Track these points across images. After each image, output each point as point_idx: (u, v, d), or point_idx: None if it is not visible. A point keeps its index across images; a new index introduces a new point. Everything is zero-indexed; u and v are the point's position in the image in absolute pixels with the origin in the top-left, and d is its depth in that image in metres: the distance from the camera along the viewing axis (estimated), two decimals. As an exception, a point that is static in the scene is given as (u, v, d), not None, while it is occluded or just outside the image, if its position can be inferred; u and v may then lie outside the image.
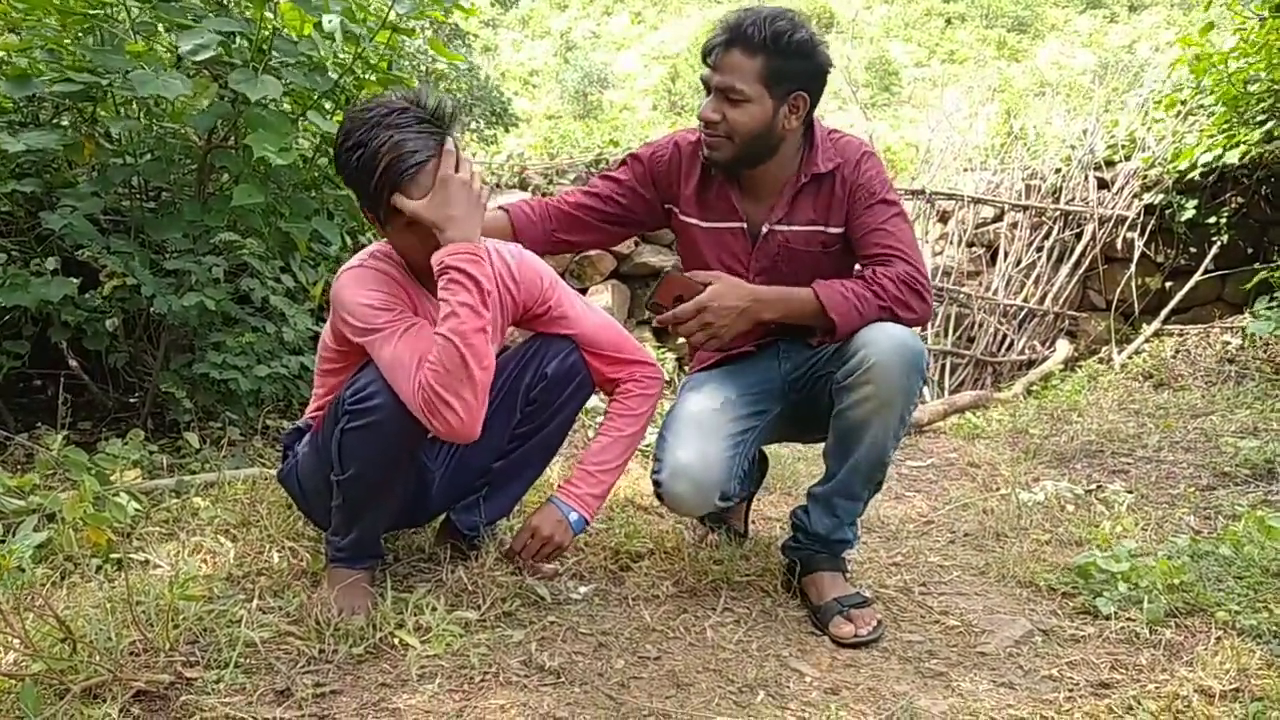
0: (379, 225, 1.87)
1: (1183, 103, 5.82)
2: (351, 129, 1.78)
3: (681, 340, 2.36)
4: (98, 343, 2.95)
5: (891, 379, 1.99)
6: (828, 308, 2.05)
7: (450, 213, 1.76)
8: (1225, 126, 5.31)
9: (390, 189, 1.77)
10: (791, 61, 2.07)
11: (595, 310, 2.22)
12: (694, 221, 2.28)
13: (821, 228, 2.20)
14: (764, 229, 2.22)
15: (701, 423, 2.20)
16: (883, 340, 2.00)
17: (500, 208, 2.30)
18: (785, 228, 2.21)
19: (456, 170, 1.78)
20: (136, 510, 2.31)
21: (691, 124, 2.27)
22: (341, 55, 3.00)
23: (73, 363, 3.04)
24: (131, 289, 2.76)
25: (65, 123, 3.02)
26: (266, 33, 2.72)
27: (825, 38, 2.13)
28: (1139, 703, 1.70)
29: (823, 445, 2.20)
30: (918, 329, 2.18)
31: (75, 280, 2.75)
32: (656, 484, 2.19)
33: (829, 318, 2.05)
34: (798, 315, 2.11)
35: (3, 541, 2.06)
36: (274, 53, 2.72)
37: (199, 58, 2.58)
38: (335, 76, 2.94)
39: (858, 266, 2.22)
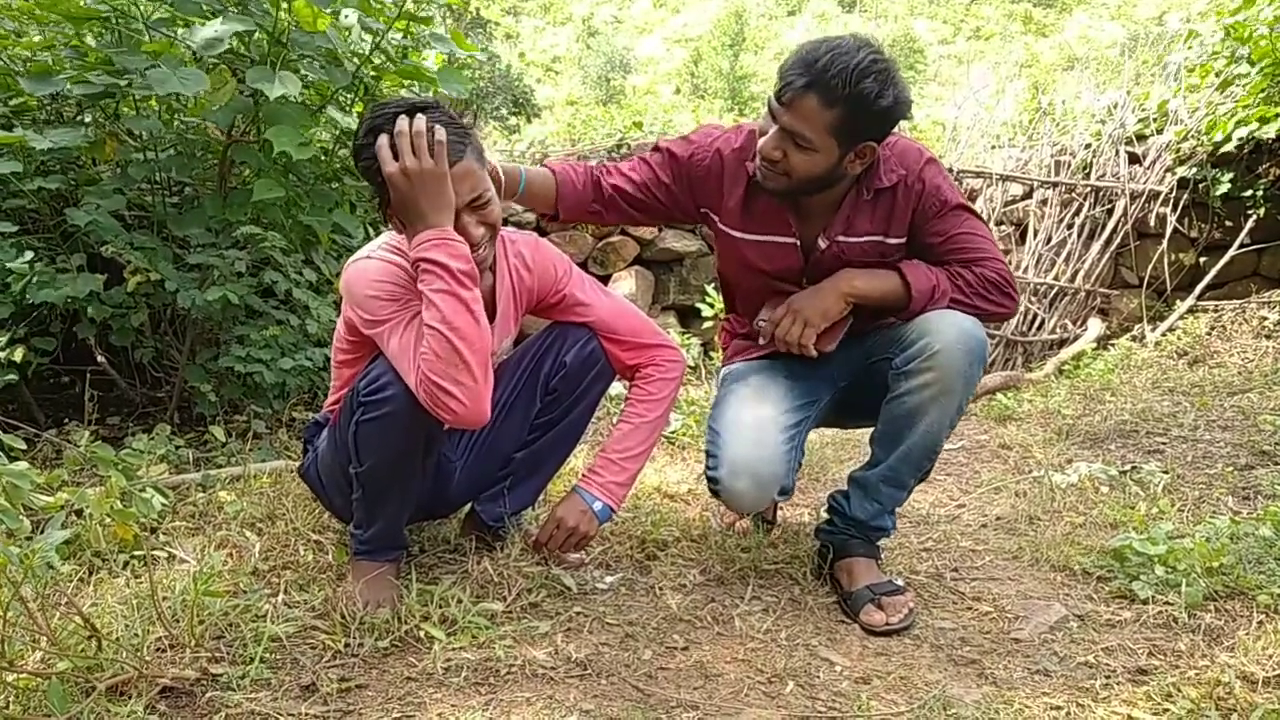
0: (400, 225, 1.83)
1: (1217, 74, 5.68)
2: (373, 126, 1.75)
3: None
4: (124, 338, 2.97)
5: (954, 366, 1.96)
6: (912, 287, 2.05)
7: (412, 210, 1.73)
8: (1262, 96, 5.17)
9: None
10: (868, 121, 1.93)
11: (612, 296, 2.20)
12: (738, 234, 2.21)
13: (881, 238, 2.13)
14: (821, 243, 2.15)
15: (755, 415, 2.17)
16: (946, 328, 1.98)
17: (548, 167, 2.23)
18: (843, 239, 2.14)
19: (398, 158, 1.71)
20: (163, 505, 2.30)
21: (714, 110, 2.21)
22: (359, 47, 2.99)
23: (100, 358, 3.06)
24: (156, 284, 2.78)
25: (88, 120, 3.03)
26: (283, 27, 2.71)
27: (907, 84, 1.97)
28: (1178, 689, 1.66)
29: (856, 430, 2.16)
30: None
31: (101, 276, 2.77)
32: (713, 480, 2.16)
33: (907, 289, 2.05)
34: (883, 293, 2.10)
35: (30, 538, 2.07)
36: (291, 47, 2.71)
37: (214, 51, 2.57)
38: (353, 69, 2.93)
39: None
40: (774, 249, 2.18)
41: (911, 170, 2.09)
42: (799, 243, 2.17)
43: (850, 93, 1.86)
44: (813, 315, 2.10)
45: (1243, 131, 5.12)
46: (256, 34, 2.75)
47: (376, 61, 3.01)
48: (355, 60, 2.94)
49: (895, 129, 2.03)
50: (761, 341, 2.23)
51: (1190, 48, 5.88)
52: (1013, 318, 2.15)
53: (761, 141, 2.01)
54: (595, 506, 2.11)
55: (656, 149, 2.27)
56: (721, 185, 2.19)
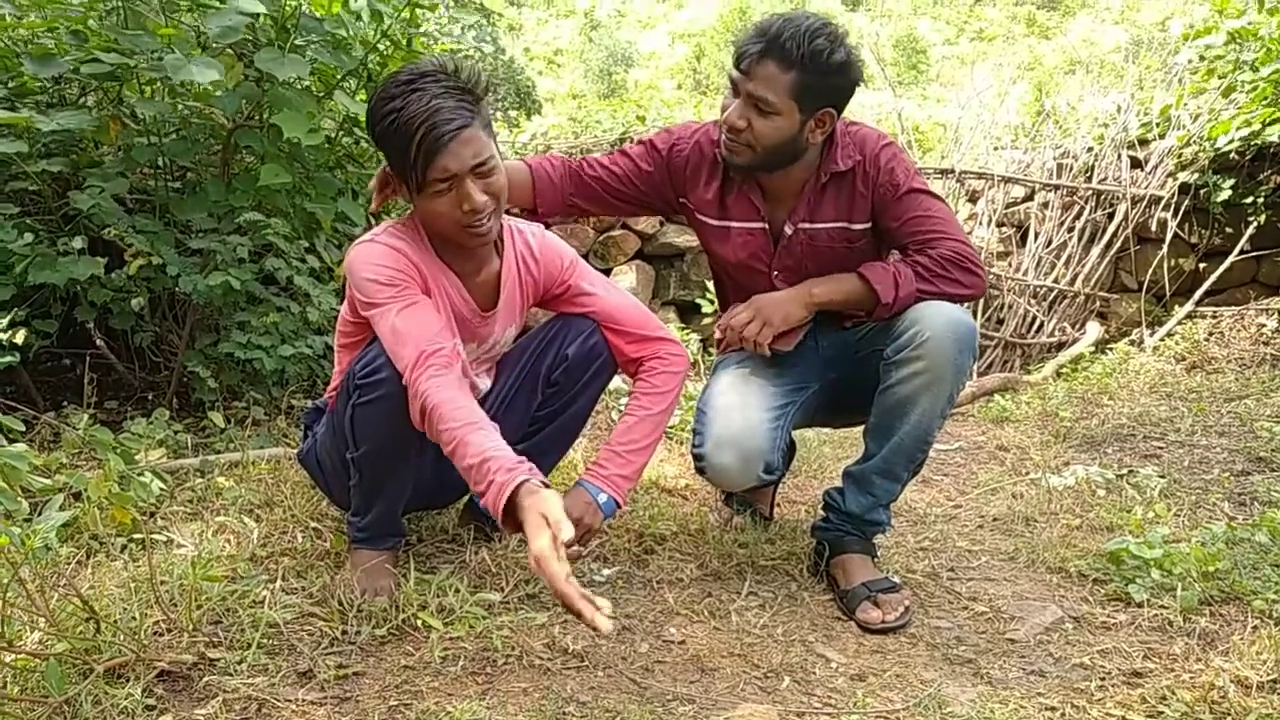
0: (408, 190, 1.82)
1: (1221, 76, 5.68)
2: (387, 93, 1.75)
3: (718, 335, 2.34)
4: (124, 322, 2.97)
5: (944, 354, 1.97)
6: (873, 282, 2.06)
7: None
8: (1266, 101, 5.17)
9: (426, 156, 1.73)
10: (825, 80, 2.01)
11: (617, 289, 2.19)
12: (712, 222, 2.28)
13: (845, 224, 2.18)
14: (787, 229, 2.20)
15: (741, 394, 2.20)
16: (935, 317, 1.99)
17: (524, 162, 2.26)
18: (809, 226, 2.19)
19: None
20: (161, 490, 2.31)
21: (717, 106, 2.24)
22: (366, 32, 2.98)
23: (99, 342, 3.05)
24: (157, 268, 2.77)
25: (91, 103, 3.01)
26: (290, 10, 2.70)
27: (858, 48, 2.07)
28: (1173, 693, 1.67)
29: (853, 430, 2.18)
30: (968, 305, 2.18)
31: (102, 260, 2.76)
32: (698, 457, 2.17)
33: (874, 293, 2.06)
34: (845, 296, 2.13)
35: (29, 520, 2.07)
36: (299, 31, 2.70)
37: (227, 40, 2.56)
38: (360, 55, 2.92)
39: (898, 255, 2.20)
40: (744, 235, 2.24)
41: (868, 155, 2.15)
42: (767, 227, 2.22)
43: (805, 52, 1.96)
44: (773, 316, 2.14)
45: (1245, 131, 5.12)
46: (263, 20, 2.75)
47: (384, 50, 3.00)
48: (363, 46, 2.93)
49: (852, 98, 2.10)
50: (716, 335, 2.25)
51: (1194, 48, 5.87)
52: (979, 296, 2.17)
53: (726, 114, 2.08)
54: (600, 499, 2.04)
55: (640, 142, 2.34)
56: (700, 175, 2.26)
